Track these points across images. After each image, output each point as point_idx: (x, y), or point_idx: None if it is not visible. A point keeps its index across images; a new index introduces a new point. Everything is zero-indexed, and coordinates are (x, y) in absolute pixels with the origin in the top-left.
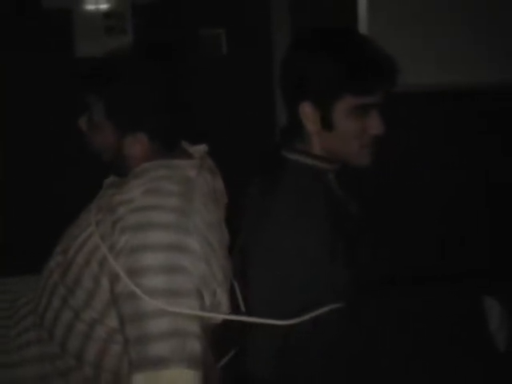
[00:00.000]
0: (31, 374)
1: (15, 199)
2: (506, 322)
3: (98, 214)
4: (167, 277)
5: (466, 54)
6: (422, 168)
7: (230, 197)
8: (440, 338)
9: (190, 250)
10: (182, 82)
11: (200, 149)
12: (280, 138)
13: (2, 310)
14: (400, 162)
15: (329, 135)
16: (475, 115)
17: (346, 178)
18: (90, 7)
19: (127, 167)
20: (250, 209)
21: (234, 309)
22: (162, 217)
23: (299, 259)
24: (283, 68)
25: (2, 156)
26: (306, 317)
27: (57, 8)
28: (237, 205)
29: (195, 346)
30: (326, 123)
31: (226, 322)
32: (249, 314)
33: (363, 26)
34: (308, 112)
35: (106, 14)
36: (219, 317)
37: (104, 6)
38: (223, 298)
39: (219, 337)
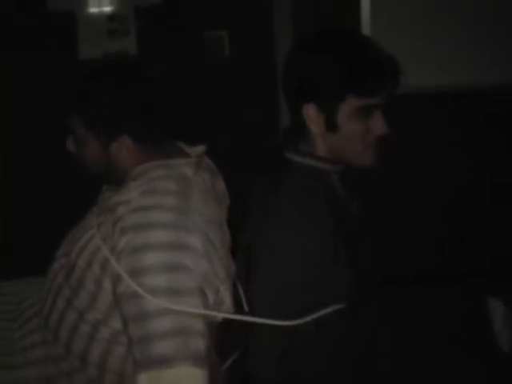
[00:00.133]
0: (35, 375)
1: (15, 199)
2: (510, 322)
3: (99, 217)
4: (169, 275)
5: (467, 55)
6: (424, 168)
7: (233, 198)
8: (441, 338)
9: (190, 248)
10: (162, 80)
11: (198, 149)
12: (282, 140)
13: (7, 312)
14: (403, 162)
15: (333, 137)
16: (478, 116)
17: (349, 178)
18: (94, 10)
19: (121, 174)
20: (253, 209)
21: (238, 308)
22: (161, 216)
23: (302, 259)
24: (286, 70)
25: (2, 156)
26: (310, 317)
27: (61, 10)
28: (240, 206)
29: (199, 344)
30: (330, 125)
31: (229, 321)
32: (252, 313)
33: (366, 29)
34: (312, 114)
35: (110, 17)
36: (222, 316)
37: (107, 9)
38: (226, 296)
39: (223, 338)
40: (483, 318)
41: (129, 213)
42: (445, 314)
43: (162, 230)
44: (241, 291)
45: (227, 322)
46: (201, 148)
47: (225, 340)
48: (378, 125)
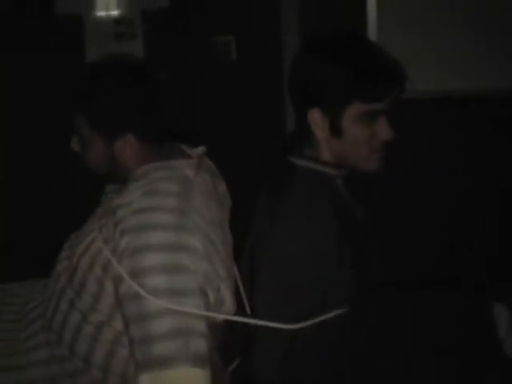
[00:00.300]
0: (39, 376)
1: (15, 199)
2: None
3: (101, 219)
4: (170, 276)
5: (473, 59)
6: (430, 173)
7: (238, 200)
8: (445, 343)
9: (191, 249)
10: (168, 83)
11: (198, 150)
12: (286, 144)
13: (14, 314)
14: (408, 167)
15: (338, 142)
16: (484, 121)
17: (355, 183)
18: (101, 14)
19: (124, 173)
20: (257, 211)
21: (240, 311)
22: (162, 217)
23: (306, 263)
24: (292, 74)
25: (2, 156)
26: (312, 321)
27: (68, 14)
28: (245, 208)
29: (200, 345)
30: (335, 130)
31: (231, 323)
32: (254, 315)
33: (372, 30)
34: (317, 119)
35: (117, 21)
36: (223, 317)
37: (114, 13)
38: (227, 295)
39: (227, 342)
40: (488, 323)
41: (129, 215)
42: (448, 318)
43: (162, 231)
44: (243, 293)
45: (229, 324)
46: (201, 149)
47: (228, 343)
48: (383, 130)
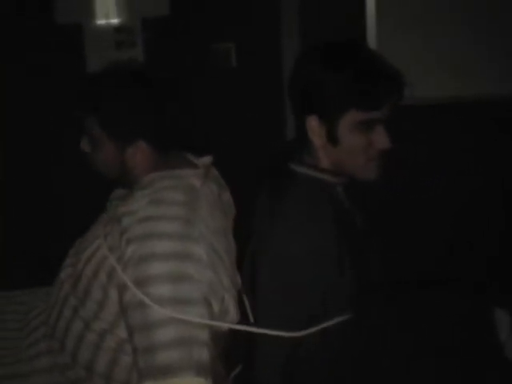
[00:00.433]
0: (41, 383)
1: (15, 199)
2: None
3: (106, 227)
4: (174, 285)
5: (473, 60)
6: (434, 174)
7: (239, 207)
8: (445, 345)
9: (196, 258)
10: (176, 87)
11: (205, 160)
12: (285, 150)
13: (16, 322)
14: (410, 168)
15: (334, 149)
16: (485, 124)
17: (354, 191)
18: (101, 22)
19: (131, 179)
20: (258, 214)
21: (243, 319)
22: (168, 226)
23: (306, 262)
24: (291, 82)
25: (2, 156)
26: (315, 329)
27: (68, 23)
28: (246, 215)
29: (203, 354)
30: (331, 137)
31: (234, 331)
32: (255, 318)
33: (371, 33)
34: (314, 126)
35: (117, 29)
36: (227, 326)
37: (114, 21)
38: (231, 305)
39: (230, 348)
40: (488, 324)
41: (135, 223)
42: (449, 318)
43: (167, 240)
44: (246, 302)
45: (232, 332)
46: (208, 159)
47: (231, 349)
48: (381, 139)
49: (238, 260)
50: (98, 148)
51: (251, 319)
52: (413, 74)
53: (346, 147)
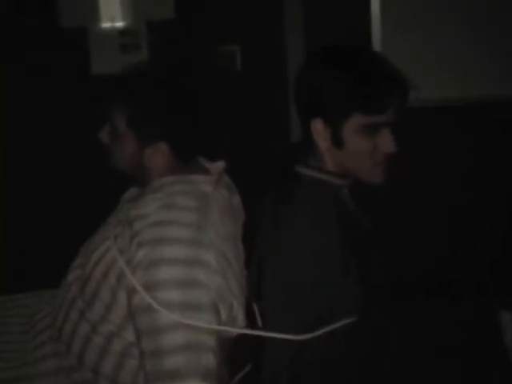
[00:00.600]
0: None
1: (15, 199)
2: None
3: (116, 228)
4: (183, 291)
5: (473, 60)
6: (437, 175)
7: (244, 210)
8: (448, 343)
9: (206, 264)
10: (200, 94)
11: (218, 165)
12: (291, 153)
13: (21, 325)
14: (413, 169)
15: (339, 153)
16: (485, 127)
17: (359, 193)
18: (106, 25)
19: (145, 180)
20: (263, 220)
21: (251, 323)
22: (179, 232)
23: (310, 264)
24: (296, 85)
25: (2, 156)
26: (321, 331)
27: (73, 26)
28: (252, 219)
29: (210, 360)
30: (336, 141)
31: (241, 337)
32: (263, 323)
33: (376, 36)
34: (319, 129)
35: (121, 32)
36: (234, 331)
37: (119, 24)
38: (239, 312)
39: (234, 352)
40: (495, 330)
41: (146, 227)
42: (452, 320)
43: (178, 245)
44: (255, 307)
45: (239, 337)
46: (221, 164)
47: (236, 353)
48: (386, 143)
49: (246, 264)
50: (118, 142)
51: (259, 323)
52: (413, 74)
53: (351, 150)
